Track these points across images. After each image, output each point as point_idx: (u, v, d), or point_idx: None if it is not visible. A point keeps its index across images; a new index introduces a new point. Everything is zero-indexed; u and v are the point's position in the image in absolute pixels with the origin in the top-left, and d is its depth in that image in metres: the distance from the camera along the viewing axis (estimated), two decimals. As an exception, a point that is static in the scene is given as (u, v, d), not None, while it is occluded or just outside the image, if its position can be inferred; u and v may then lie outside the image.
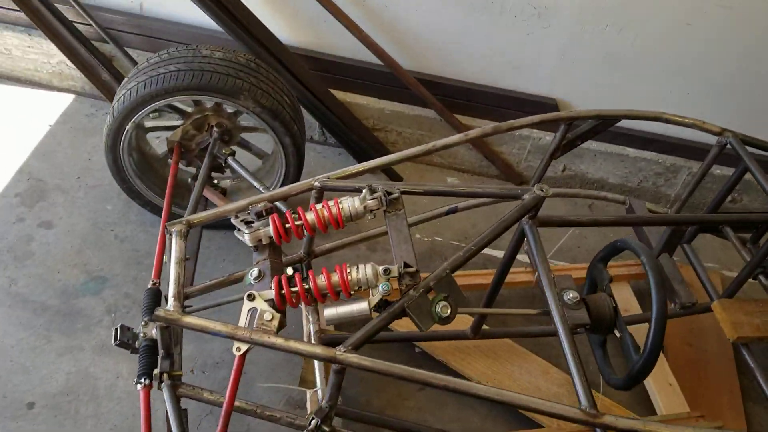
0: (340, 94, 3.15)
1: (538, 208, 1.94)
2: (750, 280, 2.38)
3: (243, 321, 1.66)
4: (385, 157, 2.16)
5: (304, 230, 1.86)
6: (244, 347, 1.66)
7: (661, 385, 2.42)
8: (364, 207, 1.86)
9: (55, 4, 2.88)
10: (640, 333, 2.56)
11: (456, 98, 3.12)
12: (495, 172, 3.33)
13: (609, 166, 3.23)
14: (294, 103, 2.54)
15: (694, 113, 2.45)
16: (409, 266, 1.73)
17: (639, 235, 2.66)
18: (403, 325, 2.42)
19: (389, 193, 1.90)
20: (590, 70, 2.99)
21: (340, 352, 1.59)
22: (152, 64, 2.36)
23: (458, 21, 2.91)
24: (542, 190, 1.91)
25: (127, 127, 2.38)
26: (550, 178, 3.31)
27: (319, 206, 1.87)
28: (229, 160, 2.50)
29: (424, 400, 2.36)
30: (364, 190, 1.88)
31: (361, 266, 1.72)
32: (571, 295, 1.77)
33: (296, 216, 1.85)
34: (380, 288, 1.68)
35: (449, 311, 1.71)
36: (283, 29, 3.02)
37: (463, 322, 2.35)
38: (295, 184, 2.00)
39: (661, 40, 2.85)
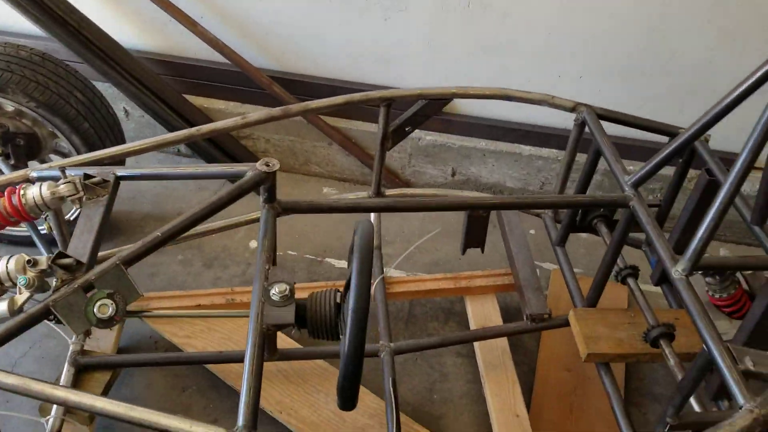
0: (199, 100, 2.88)
1: (269, 188, 1.60)
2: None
3: None
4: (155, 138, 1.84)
5: (-12, 223, 1.57)
6: None
7: (506, 417, 1.96)
8: (53, 193, 1.56)
9: None
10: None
11: (321, 98, 2.80)
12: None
13: (503, 167, 2.81)
14: (92, 100, 2.29)
15: (590, 99, 2.07)
16: (67, 257, 1.40)
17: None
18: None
19: (88, 177, 1.60)
20: (464, 59, 2.63)
21: None
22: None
23: (307, 10, 2.61)
24: (268, 165, 1.57)
25: None
26: (440, 183, 2.92)
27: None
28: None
29: None
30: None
31: (4, 258, 1.41)
32: (277, 289, 1.39)
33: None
34: (19, 282, 1.36)
35: (110, 311, 1.37)
36: (129, 34, 2.79)
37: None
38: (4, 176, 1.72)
39: (539, 18, 2.48)
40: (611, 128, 1.97)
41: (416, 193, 2.53)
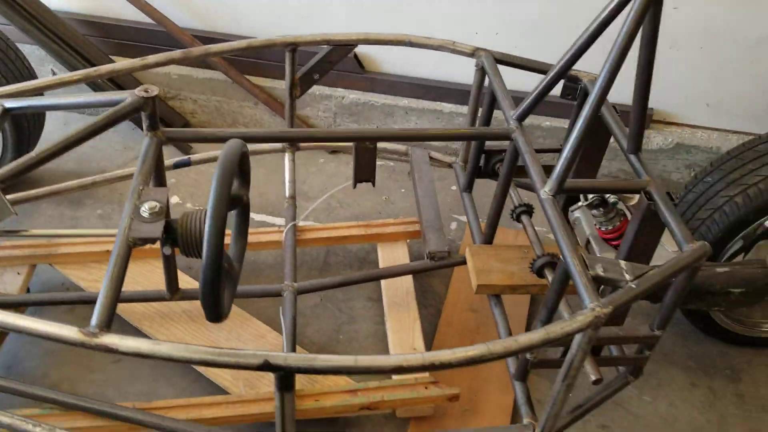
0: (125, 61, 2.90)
1: (150, 115, 1.63)
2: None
3: None
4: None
5: None
6: None
7: (403, 350, 2.01)
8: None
9: None
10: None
11: (245, 57, 2.84)
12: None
13: (425, 124, 2.86)
14: (5, 51, 2.31)
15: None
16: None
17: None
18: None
19: (-31, 105, 1.62)
20: (384, 16, 2.67)
21: None
22: None
23: (227, -33, 2.66)
24: (147, 91, 1.60)
25: None
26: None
27: None
28: None
29: (115, 372, 2.02)
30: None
31: None
32: (147, 207, 1.43)
33: None
34: None
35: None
36: (55, -3, 2.83)
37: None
38: None
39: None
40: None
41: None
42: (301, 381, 1.87)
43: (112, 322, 1.27)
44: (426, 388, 1.87)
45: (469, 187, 2.25)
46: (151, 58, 1.95)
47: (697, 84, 2.64)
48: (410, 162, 2.39)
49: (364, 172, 1.86)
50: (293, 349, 1.87)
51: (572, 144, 1.55)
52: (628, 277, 1.41)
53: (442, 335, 2.18)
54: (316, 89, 2.84)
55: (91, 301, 2.10)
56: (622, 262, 1.44)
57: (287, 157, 2.35)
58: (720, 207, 1.89)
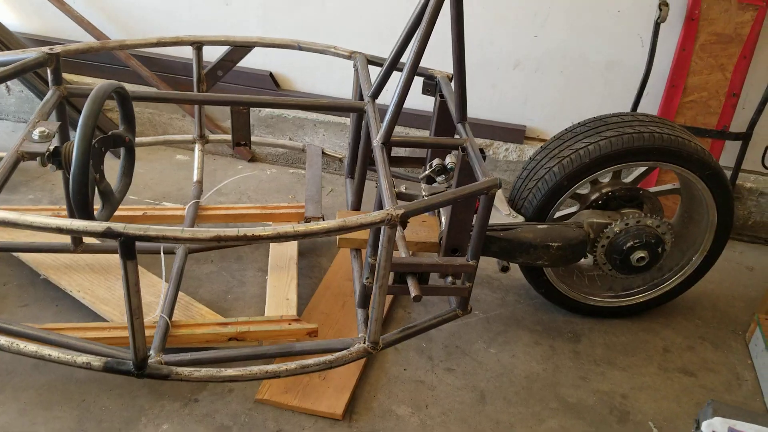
0: (70, 76, 3.29)
1: (55, 71, 1.99)
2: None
3: None
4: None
5: None
6: None
7: (277, 300, 2.29)
8: None
9: None
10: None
11: (178, 74, 3.23)
12: (230, 150, 3.36)
13: (332, 136, 3.24)
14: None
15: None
16: None
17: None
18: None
19: None
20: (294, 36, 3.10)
21: None
22: None
23: (161, -6, 3.09)
24: (51, 49, 1.96)
25: None
26: (281, 153, 3.31)
27: None
28: None
29: (20, 312, 2.28)
30: None
31: None
32: (38, 130, 1.76)
33: None
34: None
35: None
36: (12, 17, 3.23)
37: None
38: None
39: (349, 5, 2.98)
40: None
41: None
42: (177, 314, 2.14)
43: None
44: (289, 324, 2.15)
45: (351, 174, 2.60)
46: (72, 46, 2.32)
47: (561, 103, 3.06)
48: (306, 154, 2.75)
49: (240, 135, 2.22)
50: (176, 291, 2.16)
51: (395, 102, 1.92)
52: (424, 194, 1.74)
53: (318, 296, 2.46)
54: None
55: (5, 249, 2.40)
56: (424, 186, 1.78)
57: (197, 147, 2.71)
58: (542, 177, 2.24)
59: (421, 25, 1.88)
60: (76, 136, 1.62)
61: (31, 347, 1.75)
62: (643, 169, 2.43)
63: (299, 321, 2.16)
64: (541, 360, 2.34)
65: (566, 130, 2.32)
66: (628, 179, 2.45)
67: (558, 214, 2.40)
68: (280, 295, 2.33)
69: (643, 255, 2.23)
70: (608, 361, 2.36)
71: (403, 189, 1.79)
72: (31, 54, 1.95)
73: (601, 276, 2.51)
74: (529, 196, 2.28)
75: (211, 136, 2.75)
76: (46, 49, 1.93)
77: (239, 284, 2.53)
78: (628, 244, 2.22)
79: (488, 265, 2.71)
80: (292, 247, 2.57)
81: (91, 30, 3.13)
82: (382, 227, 1.66)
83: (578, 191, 2.33)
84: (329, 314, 2.36)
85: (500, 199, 2.29)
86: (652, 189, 2.46)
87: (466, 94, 2.06)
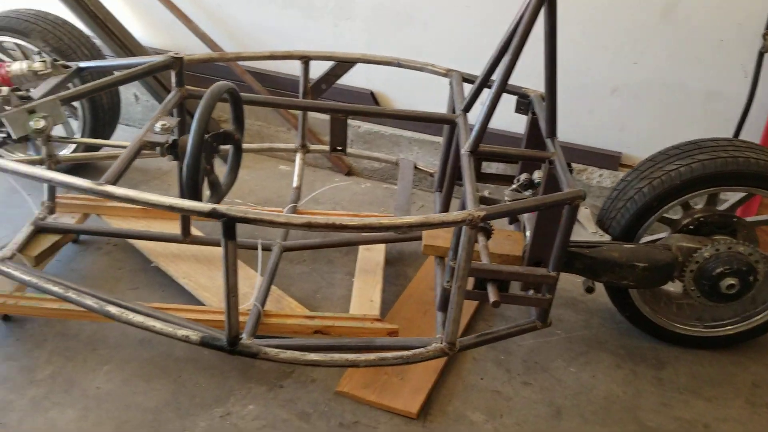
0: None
1: (178, 74, 2.21)
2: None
3: None
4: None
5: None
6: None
7: (362, 301, 2.40)
8: (28, 67, 2.22)
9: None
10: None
11: (285, 90, 3.45)
12: (329, 163, 3.53)
13: (426, 154, 3.35)
14: (95, 56, 3.01)
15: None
16: (20, 91, 2.03)
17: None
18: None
19: (56, 60, 2.25)
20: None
21: None
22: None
23: (276, 17, 3.33)
24: (177, 54, 2.19)
25: None
26: (376, 168, 3.45)
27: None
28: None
29: (129, 294, 2.49)
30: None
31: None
32: (160, 123, 1.96)
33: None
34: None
35: (42, 124, 1.97)
36: (143, 32, 3.57)
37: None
38: None
39: (447, 25, 3.10)
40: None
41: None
42: (269, 305, 2.28)
43: (116, 182, 1.76)
44: (371, 322, 2.24)
45: (440, 188, 2.69)
46: (195, 54, 2.56)
47: (659, 131, 3.03)
48: (399, 167, 2.87)
49: (337, 140, 2.36)
50: (269, 284, 2.31)
51: (484, 113, 2.00)
52: (507, 200, 1.80)
53: (401, 302, 2.54)
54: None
55: (120, 236, 2.64)
56: (508, 192, 1.84)
57: (298, 155, 2.88)
58: (631, 197, 2.24)
59: (513, 41, 1.96)
60: (191, 128, 1.80)
61: (139, 318, 1.93)
62: (739, 196, 2.38)
63: (381, 321, 2.25)
64: (622, 383, 2.31)
65: (659, 152, 2.31)
66: (723, 206, 2.40)
67: (647, 239, 2.39)
68: (365, 296, 2.43)
69: (733, 282, 2.17)
70: (692, 390, 2.30)
71: (486, 194, 1.86)
72: (159, 58, 2.18)
73: (690, 305, 2.45)
74: (617, 216, 2.28)
75: (312, 146, 2.92)
76: (172, 53, 2.15)
77: (328, 285, 2.65)
78: (718, 270, 2.17)
79: (573, 287, 2.71)
80: (380, 253, 2.68)
81: (212, 46, 3.40)
82: (463, 227, 1.73)
83: (669, 216, 2.32)
84: (411, 320, 2.44)
85: (587, 217, 2.30)
86: (749, 218, 2.40)
87: (556, 109, 2.11)
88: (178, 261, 2.52)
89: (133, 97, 3.71)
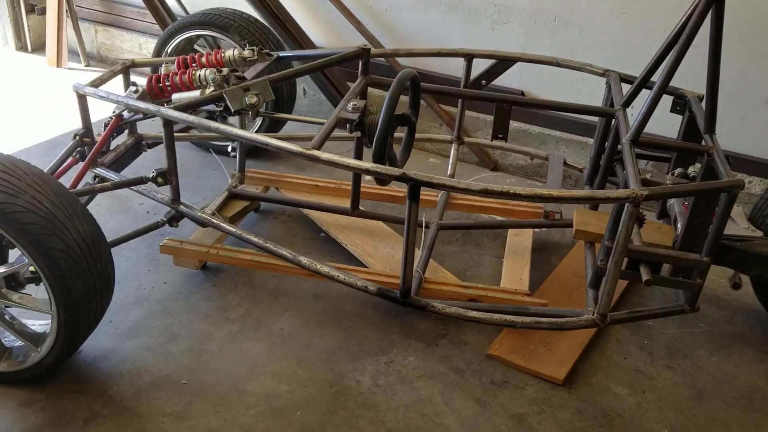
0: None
1: (365, 63, 2.51)
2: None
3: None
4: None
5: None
6: (119, 110, 2.43)
7: (511, 277, 2.60)
8: (239, 54, 2.60)
9: None
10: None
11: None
12: (476, 159, 3.75)
13: (572, 153, 3.49)
14: (276, 47, 3.40)
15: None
16: (237, 72, 2.40)
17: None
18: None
19: (262, 48, 2.63)
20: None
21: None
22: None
23: (438, 21, 3.60)
24: (365, 45, 2.49)
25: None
26: (522, 165, 3.63)
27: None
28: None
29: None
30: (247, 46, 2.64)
31: (202, 69, 2.45)
32: (352, 104, 2.26)
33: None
34: (208, 77, 2.38)
35: (255, 100, 2.33)
36: (316, 33, 3.96)
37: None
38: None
39: (603, 30, 3.25)
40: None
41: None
42: (427, 274, 2.52)
43: (320, 147, 2.06)
44: (522, 296, 2.44)
45: (589, 182, 2.84)
46: (380, 49, 2.86)
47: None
48: (549, 161, 3.04)
49: (499, 129, 2.58)
50: (428, 257, 2.56)
51: (648, 104, 2.15)
52: (668, 182, 1.94)
53: (547, 285, 2.71)
54: (487, 119, 3.62)
55: (296, 205, 2.98)
56: (669, 177, 1.97)
57: (453, 146, 3.12)
58: (788, 196, 2.31)
59: (679, 41, 2.10)
60: (383, 107, 2.08)
61: (326, 269, 2.23)
62: None
63: (530, 296, 2.44)
64: (765, 376, 2.37)
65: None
66: None
67: (800, 239, 2.43)
68: (514, 275, 2.63)
69: None
70: (840, 390, 2.32)
71: (648, 176, 2.01)
72: (350, 48, 2.49)
73: (842, 308, 2.46)
74: (771, 214, 2.35)
75: (466, 139, 3.16)
76: (361, 44, 2.46)
77: (476, 265, 2.87)
78: None
79: (718, 285, 2.78)
80: (528, 238, 2.86)
81: (377, 46, 3.73)
82: (626, 205, 1.89)
83: (825, 216, 2.35)
84: (556, 301, 2.60)
85: (739, 214, 2.38)
86: None
87: (716, 107, 2.23)
88: (346, 231, 2.83)
89: (301, 91, 4.10)
